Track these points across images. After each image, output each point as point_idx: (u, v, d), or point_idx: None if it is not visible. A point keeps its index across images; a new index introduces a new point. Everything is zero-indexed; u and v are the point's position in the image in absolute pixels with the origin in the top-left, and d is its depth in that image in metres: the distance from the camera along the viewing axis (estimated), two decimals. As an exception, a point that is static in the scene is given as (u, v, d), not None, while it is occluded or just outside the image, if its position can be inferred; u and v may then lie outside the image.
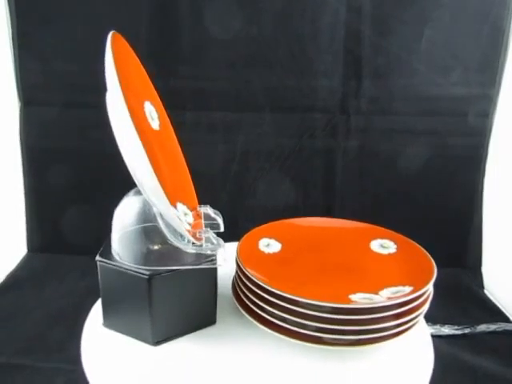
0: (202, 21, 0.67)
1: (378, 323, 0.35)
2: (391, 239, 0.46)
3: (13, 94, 0.72)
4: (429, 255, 0.43)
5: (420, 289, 0.37)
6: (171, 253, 0.39)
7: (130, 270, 0.39)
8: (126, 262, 0.40)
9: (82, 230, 0.75)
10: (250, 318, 0.39)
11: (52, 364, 0.52)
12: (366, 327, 0.35)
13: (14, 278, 0.70)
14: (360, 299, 0.37)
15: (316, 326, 0.35)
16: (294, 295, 0.35)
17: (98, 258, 0.41)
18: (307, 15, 0.67)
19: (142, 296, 0.39)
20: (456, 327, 0.58)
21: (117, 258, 0.41)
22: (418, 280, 0.39)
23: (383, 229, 0.47)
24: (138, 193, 0.40)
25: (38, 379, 0.50)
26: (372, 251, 0.45)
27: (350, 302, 0.36)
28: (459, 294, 0.69)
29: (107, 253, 0.42)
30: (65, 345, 0.54)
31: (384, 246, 0.46)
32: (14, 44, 0.69)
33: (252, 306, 0.39)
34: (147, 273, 0.38)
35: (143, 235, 0.41)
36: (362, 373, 0.37)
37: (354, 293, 0.37)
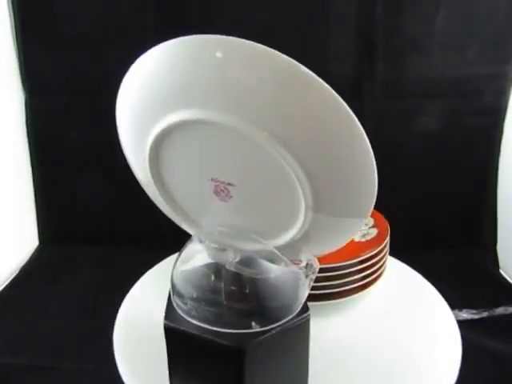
0: (210, 5, 0.64)
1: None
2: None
3: (17, 85, 0.70)
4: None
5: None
6: (252, 310, 0.33)
7: (216, 338, 0.30)
8: (202, 324, 0.32)
9: (93, 220, 0.75)
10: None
11: (74, 364, 0.51)
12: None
13: (27, 272, 0.70)
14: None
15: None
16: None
17: (165, 321, 0.33)
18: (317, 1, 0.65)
19: (231, 370, 0.31)
20: (474, 311, 0.58)
21: (187, 317, 0.33)
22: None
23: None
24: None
25: (61, 381, 0.49)
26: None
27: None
28: (474, 274, 0.68)
29: (174, 314, 0.33)
30: (85, 343, 0.53)
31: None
32: (16, 33, 0.67)
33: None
34: (239, 339, 0.30)
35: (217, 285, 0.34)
36: (391, 364, 0.36)
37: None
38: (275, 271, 0.34)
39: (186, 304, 0.33)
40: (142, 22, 0.66)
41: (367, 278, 0.47)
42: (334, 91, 0.27)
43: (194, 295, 0.33)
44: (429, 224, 0.74)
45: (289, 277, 0.34)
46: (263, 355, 0.32)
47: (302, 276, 0.34)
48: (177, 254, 0.36)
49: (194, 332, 0.32)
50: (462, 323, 0.51)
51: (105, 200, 0.74)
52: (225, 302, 0.33)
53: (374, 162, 0.29)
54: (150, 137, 0.32)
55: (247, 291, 0.33)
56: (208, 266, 0.34)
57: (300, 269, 0.34)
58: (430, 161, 0.73)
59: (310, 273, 0.34)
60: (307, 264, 0.34)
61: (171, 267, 0.43)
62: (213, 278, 0.34)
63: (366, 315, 0.48)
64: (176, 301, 0.34)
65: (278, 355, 0.33)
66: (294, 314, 0.33)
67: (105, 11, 0.66)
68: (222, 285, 0.33)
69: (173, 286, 0.35)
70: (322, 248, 0.35)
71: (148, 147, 0.32)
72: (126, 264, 0.65)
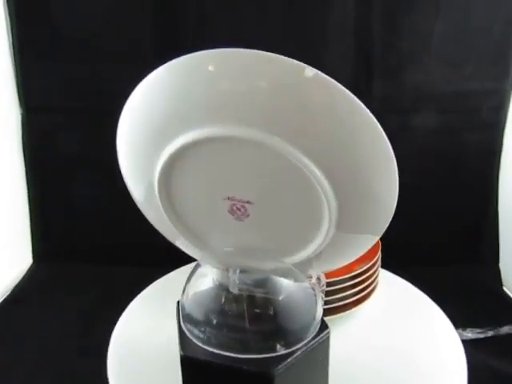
0: (207, 21, 0.65)
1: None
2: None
3: (14, 101, 0.70)
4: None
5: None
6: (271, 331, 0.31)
7: (242, 365, 0.29)
8: (223, 352, 0.31)
9: (87, 237, 0.74)
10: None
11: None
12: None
13: (20, 291, 0.69)
14: None
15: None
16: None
17: (182, 354, 0.32)
18: (315, 11, 0.65)
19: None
20: (478, 330, 0.56)
21: (205, 346, 0.31)
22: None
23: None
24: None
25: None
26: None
27: None
28: (477, 292, 0.67)
29: (190, 344, 0.31)
30: (78, 364, 0.52)
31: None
32: (14, 49, 0.67)
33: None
34: (267, 364, 0.29)
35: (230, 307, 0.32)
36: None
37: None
38: (288, 289, 0.33)
39: (203, 332, 0.32)
40: (140, 39, 0.66)
41: (360, 293, 0.47)
42: (361, 103, 0.27)
43: (214, 322, 0.32)
44: (429, 241, 0.73)
45: (305, 293, 0.33)
46: (291, 377, 0.31)
47: (317, 291, 0.33)
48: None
49: (218, 361, 0.30)
50: (466, 342, 0.50)
51: (100, 217, 0.73)
52: (248, 326, 0.31)
53: (397, 175, 0.29)
54: (161, 159, 0.30)
55: (270, 313, 0.32)
56: (221, 289, 0.33)
57: (312, 284, 0.33)
58: (429, 176, 0.72)
59: (321, 288, 0.34)
60: (318, 279, 0.34)
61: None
62: (233, 302, 0.32)
63: (368, 335, 0.47)
64: (191, 330, 0.32)
65: (304, 374, 0.32)
66: (316, 332, 0.32)
67: (102, 29, 0.66)
68: (245, 308, 0.32)
69: (186, 314, 0.33)
70: (331, 264, 0.35)
71: (158, 170, 0.31)
72: (121, 282, 0.64)
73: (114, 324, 0.48)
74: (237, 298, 0.32)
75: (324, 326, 0.33)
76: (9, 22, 0.66)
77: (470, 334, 0.56)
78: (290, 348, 0.31)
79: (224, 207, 0.32)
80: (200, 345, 0.31)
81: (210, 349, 0.31)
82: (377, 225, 0.31)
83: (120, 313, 0.50)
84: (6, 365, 0.53)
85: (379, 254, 0.50)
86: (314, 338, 0.32)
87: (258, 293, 0.32)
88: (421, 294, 0.53)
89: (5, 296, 0.67)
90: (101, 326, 0.48)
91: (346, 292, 0.45)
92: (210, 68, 0.28)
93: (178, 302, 0.35)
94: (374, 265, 0.48)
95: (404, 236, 0.62)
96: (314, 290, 0.33)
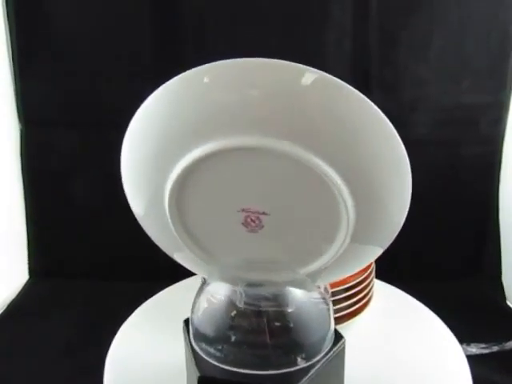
0: (206, 35, 0.65)
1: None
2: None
3: (13, 115, 0.70)
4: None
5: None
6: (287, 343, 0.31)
7: (265, 381, 0.29)
8: (243, 370, 0.30)
9: (85, 252, 0.73)
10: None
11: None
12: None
13: (16, 306, 0.68)
14: None
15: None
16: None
17: (200, 375, 0.31)
18: (312, 28, 0.66)
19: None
20: (483, 345, 0.55)
21: (223, 365, 0.31)
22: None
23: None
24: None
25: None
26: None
27: None
28: (480, 306, 0.66)
29: (206, 364, 0.31)
30: (75, 383, 0.51)
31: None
32: (13, 63, 0.68)
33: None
34: (289, 379, 0.28)
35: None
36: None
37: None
38: (300, 300, 0.33)
39: (220, 350, 0.31)
40: (139, 53, 0.67)
41: (354, 305, 0.46)
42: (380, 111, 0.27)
43: (233, 339, 0.31)
44: (430, 255, 0.73)
45: (317, 304, 0.33)
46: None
47: (328, 301, 0.33)
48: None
49: (238, 380, 0.29)
50: (470, 358, 0.49)
51: (98, 232, 0.72)
52: (268, 341, 0.31)
53: (410, 186, 0.29)
54: (173, 173, 0.30)
55: (290, 325, 0.31)
56: (234, 304, 0.32)
57: (323, 294, 0.33)
58: (429, 191, 0.72)
59: (329, 297, 0.34)
60: (325, 289, 0.33)
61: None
62: (251, 317, 0.32)
63: (367, 349, 0.45)
64: (205, 349, 0.32)
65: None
66: (332, 342, 0.32)
67: (102, 43, 0.66)
68: (265, 322, 0.31)
69: (198, 333, 0.32)
70: (337, 275, 0.34)
71: (170, 184, 0.31)
72: (118, 298, 0.63)
73: (111, 341, 0.47)
74: (255, 313, 0.32)
75: (339, 336, 0.32)
76: (8, 36, 0.67)
77: (475, 350, 0.54)
78: (310, 361, 0.30)
79: (238, 219, 0.31)
80: (217, 364, 0.31)
81: (228, 367, 0.30)
82: (386, 235, 0.31)
83: (117, 329, 0.49)
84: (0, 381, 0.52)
85: (373, 266, 0.49)
86: (331, 349, 0.31)
87: (268, 306, 0.32)
88: (422, 306, 0.52)
89: (0, 312, 0.66)
90: (98, 343, 0.47)
91: (340, 304, 0.45)
92: (217, 80, 0.28)
93: (186, 320, 0.34)
94: (367, 277, 0.47)
95: (404, 250, 0.62)
96: (324, 299, 0.33)
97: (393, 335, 0.47)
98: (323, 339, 0.31)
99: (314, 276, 0.33)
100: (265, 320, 0.31)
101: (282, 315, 0.31)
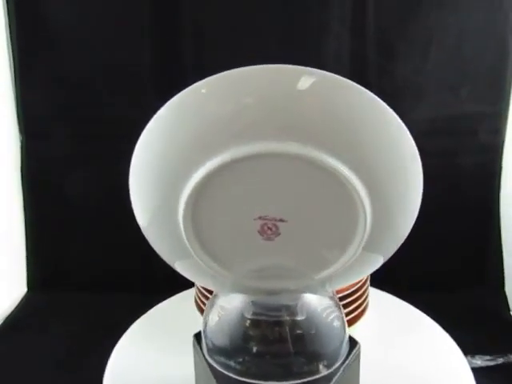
0: (206, 48, 0.66)
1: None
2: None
3: (13, 127, 0.70)
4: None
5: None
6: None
7: None
8: (266, 382, 0.30)
9: (83, 265, 0.73)
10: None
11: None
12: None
13: (14, 320, 0.67)
14: None
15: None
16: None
17: None
18: (311, 41, 0.67)
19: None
20: (488, 357, 0.54)
21: (245, 378, 0.31)
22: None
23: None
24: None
25: None
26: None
27: None
28: (484, 318, 0.65)
29: (227, 379, 0.31)
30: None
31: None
32: (15, 75, 0.68)
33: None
34: None
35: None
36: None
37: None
38: (312, 307, 0.33)
39: (241, 363, 0.30)
40: (139, 65, 0.67)
41: (349, 315, 0.45)
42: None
43: (255, 350, 0.31)
44: (431, 266, 0.72)
45: (333, 309, 0.33)
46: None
47: (340, 306, 0.33)
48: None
49: None
50: (475, 370, 0.48)
51: (97, 245, 0.72)
52: (292, 349, 0.30)
53: (421, 195, 0.29)
54: (187, 189, 0.30)
55: (312, 332, 0.31)
56: (247, 315, 0.32)
57: (334, 299, 0.33)
58: (429, 201, 0.71)
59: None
60: (333, 294, 0.33)
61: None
62: (272, 326, 0.31)
63: (373, 362, 0.44)
64: (224, 362, 0.31)
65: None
66: (349, 347, 0.32)
67: (102, 55, 0.67)
68: (287, 331, 0.31)
69: (214, 347, 0.32)
70: (341, 283, 0.34)
71: (185, 197, 0.30)
72: (117, 311, 0.62)
73: (111, 353, 0.46)
74: (274, 322, 0.31)
75: (354, 341, 0.33)
76: (10, 48, 0.67)
77: (480, 362, 0.54)
78: (330, 368, 0.30)
79: (254, 228, 0.31)
80: (237, 377, 0.30)
81: (250, 380, 0.30)
82: (393, 244, 0.31)
83: (116, 341, 0.48)
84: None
85: (368, 276, 0.48)
86: (349, 354, 0.31)
87: (285, 315, 0.31)
88: (424, 316, 0.52)
89: (-2, 325, 0.65)
90: (97, 356, 0.46)
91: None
92: (226, 89, 0.28)
93: (197, 335, 0.34)
94: (362, 286, 0.47)
95: (407, 262, 0.61)
96: (337, 304, 0.33)
97: (393, 346, 0.47)
98: (341, 345, 0.32)
99: (325, 282, 0.33)
100: (287, 329, 0.31)
101: (301, 323, 0.31)
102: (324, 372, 0.30)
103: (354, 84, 0.28)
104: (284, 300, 0.32)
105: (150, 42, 0.67)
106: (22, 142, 0.71)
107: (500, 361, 0.54)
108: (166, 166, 0.31)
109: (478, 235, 0.72)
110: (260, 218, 0.31)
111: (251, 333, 0.31)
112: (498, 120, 0.68)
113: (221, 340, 0.32)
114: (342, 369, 0.31)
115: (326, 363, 0.30)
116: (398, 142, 0.28)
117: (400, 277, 0.66)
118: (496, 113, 0.68)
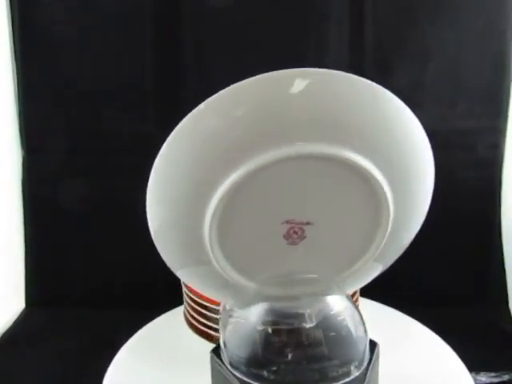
0: (206, 61, 0.67)
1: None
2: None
3: (15, 142, 0.71)
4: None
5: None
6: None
7: None
8: None
9: (82, 282, 0.72)
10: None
11: None
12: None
13: (11, 336, 0.66)
14: None
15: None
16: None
17: None
18: (311, 55, 0.68)
19: None
20: (493, 374, 0.53)
21: None
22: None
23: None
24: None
25: None
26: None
27: None
28: (487, 333, 0.64)
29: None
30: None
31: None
32: (18, 90, 0.69)
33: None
34: None
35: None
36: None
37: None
38: (342, 308, 0.33)
39: (275, 372, 0.30)
40: (140, 79, 0.68)
41: None
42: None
43: (289, 357, 0.31)
44: (432, 280, 0.71)
45: (354, 309, 0.33)
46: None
47: (357, 306, 0.34)
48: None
49: None
50: (481, 388, 0.47)
51: (96, 262, 0.71)
52: (326, 353, 0.31)
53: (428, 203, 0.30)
54: (214, 200, 0.29)
55: (343, 333, 0.32)
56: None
57: (351, 300, 0.33)
58: (429, 216, 0.71)
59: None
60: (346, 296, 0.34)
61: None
62: (306, 332, 0.31)
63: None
64: (256, 373, 0.30)
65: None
66: (370, 348, 0.33)
67: (103, 70, 0.68)
68: (322, 335, 0.31)
69: (241, 360, 0.31)
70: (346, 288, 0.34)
71: (212, 209, 0.30)
72: (115, 326, 0.61)
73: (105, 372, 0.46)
74: (310, 327, 0.32)
75: (373, 342, 0.33)
76: (14, 66, 0.68)
77: (484, 379, 0.53)
78: (360, 369, 0.31)
79: (280, 232, 0.31)
80: None
81: None
82: (393, 255, 0.31)
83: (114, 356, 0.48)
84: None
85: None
86: (372, 354, 0.32)
87: (285, 324, 0.31)
88: (427, 330, 0.51)
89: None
90: (95, 371, 0.46)
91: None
92: (248, 98, 0.29)
93: (214, 349, 0.33)
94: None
95: (405, 276, 0.61)
96: (354, 305, 0.33)
97: (397, 360, 0.46)
98: (366, 345, 0.32)
99: (343, 283, 0.33)
100: (322, 331, 0.31)
101: (332, 326, 0.32)
102: (355, 373, 0.30)
103: (371, 82, 0.29)
104: (305, 304, 0.32)
105: (150, 55, 0.67)
106: (23, 158, 0.71)
107: (506, 377, 0.53)
108: (191, 177, 0.30)
109: (480, 250, 0.72)
110: (287, 222, 0.30)
111: (286, 339, 0.31)
112: (497, 134, 0.68)
113: (249, 351, 0.31)
114: (370, 369, 0.31)
115: (356, 364, 0.31)
116: (416, 143, 0.29)
117: (399, 292, 0.65)
118: (495, 127, 0.68)
